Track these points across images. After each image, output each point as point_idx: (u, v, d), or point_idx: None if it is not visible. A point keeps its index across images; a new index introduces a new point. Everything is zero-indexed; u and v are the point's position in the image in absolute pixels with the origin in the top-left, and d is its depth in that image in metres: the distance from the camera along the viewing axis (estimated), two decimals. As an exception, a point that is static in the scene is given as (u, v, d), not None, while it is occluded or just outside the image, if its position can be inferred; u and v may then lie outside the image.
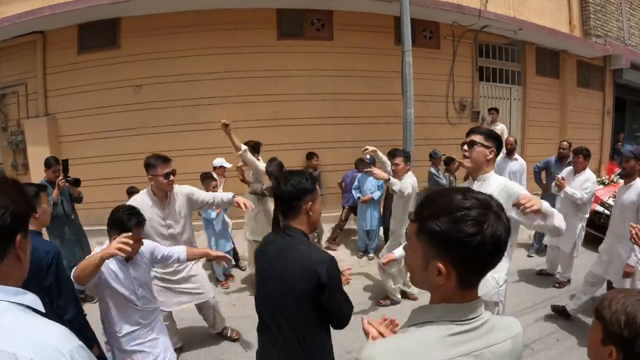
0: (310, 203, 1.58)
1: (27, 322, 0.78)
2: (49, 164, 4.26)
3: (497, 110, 7.11)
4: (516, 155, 5.67)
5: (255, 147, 4.34)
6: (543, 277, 4.63)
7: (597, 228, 5.19)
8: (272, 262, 1.58)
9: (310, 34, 6.17)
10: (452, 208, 0.80)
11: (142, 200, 2.76)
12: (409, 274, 1.09)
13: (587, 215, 4.41)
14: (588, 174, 4.26)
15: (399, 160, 3.90)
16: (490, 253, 0.80)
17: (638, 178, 3.33)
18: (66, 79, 6.14)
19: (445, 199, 0.83)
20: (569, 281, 4.44)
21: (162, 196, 2.82)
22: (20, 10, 5.85)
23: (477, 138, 2.20)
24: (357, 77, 6.27)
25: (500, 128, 7.06)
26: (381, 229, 5.49)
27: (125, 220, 2.04)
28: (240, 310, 3.87)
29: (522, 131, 8.00)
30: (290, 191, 1.54)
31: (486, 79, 7.58)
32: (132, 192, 4.86)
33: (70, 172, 4.35)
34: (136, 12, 5.78)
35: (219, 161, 4.92)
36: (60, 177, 4.07)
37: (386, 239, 5.32)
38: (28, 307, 0.81)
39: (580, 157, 4.28)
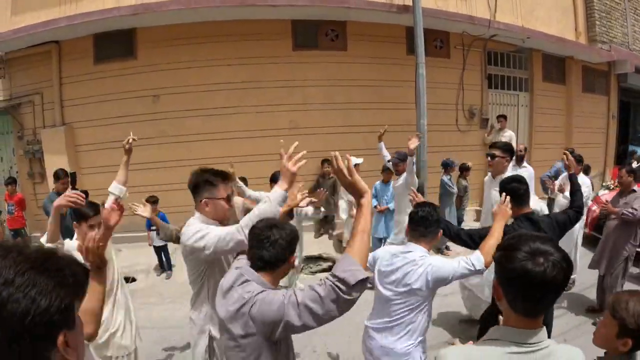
0: None
1: None
2: (57, 176, 4.39)
3: (505, 117, 7.23)
4: (525, 163, 5.84)
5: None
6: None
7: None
8: None
9: (324, 44, 6.27)
10: (511, 246, 1.03)
11: None
12: None
13: (584, 217, 4.67)
14: (582, 179, 4.54)
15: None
16: (521, 284, 0.98)
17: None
18: (83, 89, 6.21)
19: (518, 240, 1.05)
20: (573, 282, 4.66)
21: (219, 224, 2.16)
22: (35, 21, 5.91)
23: (497, 152, 3.23)
24: (370, 86, 6.37)
25: (508, 135, 7.19)
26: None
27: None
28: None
29: (529, 137, 8.13)
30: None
31: (494, 87, 7.70)
32: (154, 201, 4.95)
33: (86, 180, 4.44)
34: (152, 23, 5.86)
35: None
36: (69, 190, 4.11)
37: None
38: None
39: None
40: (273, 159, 4.82)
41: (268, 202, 1.76)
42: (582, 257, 4.75)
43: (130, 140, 2.65)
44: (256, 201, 3.52)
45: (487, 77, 7.49)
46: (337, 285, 1.21)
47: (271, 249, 1.44)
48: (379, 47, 6.39)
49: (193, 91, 6.03)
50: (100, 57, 6.19)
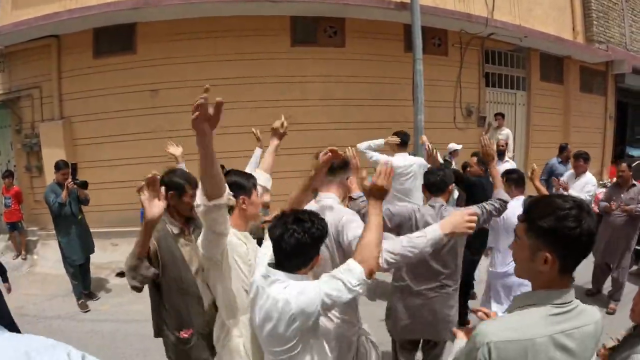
0: None
1: None
2: (58, 167, 4.43)
3: (502, 115, 7.26)
4: (507, 158, 5.90)
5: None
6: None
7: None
8: None
9: (323, 41, 6.29)
10: (556, 209, 1.00)
11: None
12: None
13: None
14: (588, 177, 4.50)
15: None
16: (585, 243, 1.00)
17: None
18: (82, 83, 6.22)
19: (549, 202, 1.04)
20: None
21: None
22: (36, 14, 5.91)
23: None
24: (368, 83, 6.40)
25: (505, 133, 7.23)
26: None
27: None
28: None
29: (526, 136, 8.17)
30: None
31: (492, 85, 7.73)
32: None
33: (84, 174, 4.50)
34: (152, 17, 5.88)
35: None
36: (69, 180, 4.23)
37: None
38: None
39: (580, 161, 4.51)
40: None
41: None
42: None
43: (286, 125, 2.40)
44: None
45: (485, 76, 7.53)
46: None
47: None
48: (377, 44, 6.42)
49: (191, 86, 6.01)
50: (99, 52, 6.20)
